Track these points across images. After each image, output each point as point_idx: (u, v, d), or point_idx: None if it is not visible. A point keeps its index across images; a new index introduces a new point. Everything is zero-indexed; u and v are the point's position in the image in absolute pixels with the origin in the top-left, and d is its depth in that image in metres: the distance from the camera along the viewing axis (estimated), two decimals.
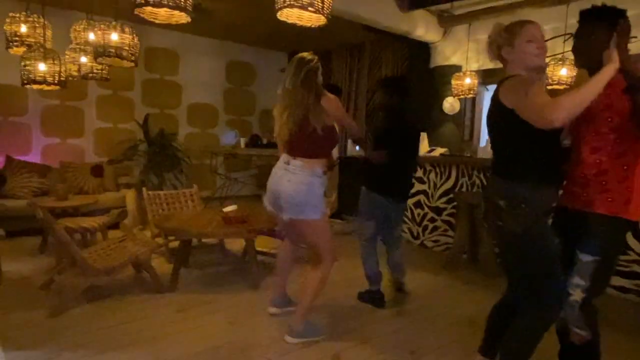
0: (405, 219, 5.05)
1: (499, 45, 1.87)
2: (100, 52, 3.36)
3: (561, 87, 4.05)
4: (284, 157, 2.61)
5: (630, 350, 2.59)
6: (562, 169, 1.89)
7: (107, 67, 4.05)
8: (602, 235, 1.77)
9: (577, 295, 1.80)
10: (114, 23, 3.34)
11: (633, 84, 1.67)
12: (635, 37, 1.84)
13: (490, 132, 2.00)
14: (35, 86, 3.50)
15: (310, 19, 2.58)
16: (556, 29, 4.41)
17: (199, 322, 2.82)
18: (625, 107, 1.73)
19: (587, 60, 1.84)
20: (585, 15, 1.83)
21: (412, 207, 4.98)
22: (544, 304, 1.85)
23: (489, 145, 2.18)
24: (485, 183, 4.33)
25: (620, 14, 1.77)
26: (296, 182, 2.47)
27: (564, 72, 3.99)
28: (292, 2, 2.36)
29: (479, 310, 2.68)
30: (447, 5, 4.94)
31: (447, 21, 5.39)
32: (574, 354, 1.98)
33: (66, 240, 2.95)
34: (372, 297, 3.20)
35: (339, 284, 3.52)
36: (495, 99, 1.82)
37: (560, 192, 1.95)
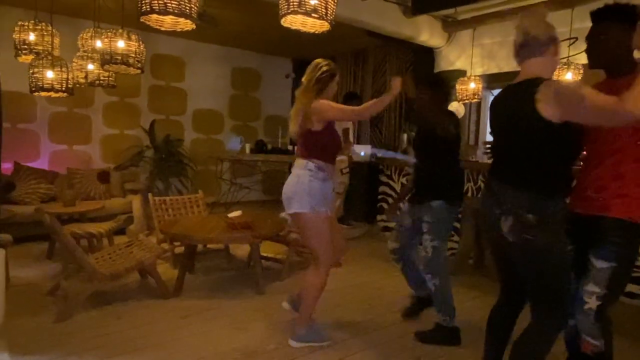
0: None
1: (551, 36, 1.74)
2: (107, 59, 3.40)
3: None
4: None
5: (638, 357, 2.56)
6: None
7: (113, 74, 4.09)
8: (618, 240, 1.72)
9: (592, 303, 1.75)
10: (120, 31, 3.38)
11: None
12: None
13: (508, 140, 1.82)
14: (43, 93, 3.54)
15: (314, 25, 2.59)
16: (561, 34, 4.38)
17: (204, 328, 2.82)
18: None
19: (604, 60, 1.82)
20: (598, 15, 1.80)
21: None
22: (557, 313, 1.79)
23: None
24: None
25: (635, 10, 1.74)
26: (290, 176, 2.59)
27: (569, 76, 3.97)
28: (295, 9, 2.37)
29: (486, 315, 2.66)
30: (451, 10, 4.95)
31: (451, 26, 5.39)
32: None
33: (72, 246, 2.97)
34: (451, 335, 2.73)
35: (344, 290, 3.51)
36: (524, 107, 1.67)
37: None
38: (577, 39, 4.25)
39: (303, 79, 2.62)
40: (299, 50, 7.21)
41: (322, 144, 2.57)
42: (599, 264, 1.74)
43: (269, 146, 6.84)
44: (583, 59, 2.95)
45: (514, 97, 1.76)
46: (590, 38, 1.84)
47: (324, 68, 2.57)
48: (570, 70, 3.99)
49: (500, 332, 2.04)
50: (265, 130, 8.17)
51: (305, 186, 2.50)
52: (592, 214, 1.80)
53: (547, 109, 1.60)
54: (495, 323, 2.07)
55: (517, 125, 1.74)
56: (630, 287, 3.35)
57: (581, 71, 3.99)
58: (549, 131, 1.63)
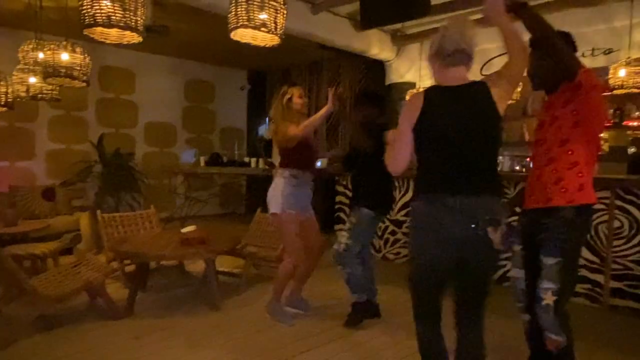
0: None
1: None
2: (50, 72, 3.28)
3: (512, 102, 4.25)
4: None
5: (580, 353, 2.70)
6: None
7: (57, 88, 3.94)
8: (562, 236, 1.87)
9: (548, 299, 1.87)
10: (64, 43, 3.27)
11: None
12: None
13: (470, 146, 1.72)
14: None
15: (264, 39, 2.62)
16: (501, 47, 4.65)
17: (157, 348, 2.73)
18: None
19: (543, 83, 1.99)
20: (534, 43, 1.90)
21: None
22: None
23: None
24: None
25: (563, 35, 1.89)
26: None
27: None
28: (245, 23, 2.40)
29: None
30: (398, 25, 5.12)
31: (400, 40, 5.59)
32: None
33: (13, 268, 2.81)
34: (367, 308, 3.07)
35: None
36: (485, 109, 1.69)
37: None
38: None
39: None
40: (254, 61, 7.21)
41: (289, 155, 3.02)
42: (548, 260, 1.88)
43: (225, 158, 6.77)
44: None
45: (470, 99, 1.71)
46: (532, 62, 1.95)
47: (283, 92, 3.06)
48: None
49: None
50: (221, 142, 8.08)
51: (280, 193, 2.97)
52: (539, 207, 1.94)
53: (502, 106, 1.69)
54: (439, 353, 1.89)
55: (480, 129, 1.71)
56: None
57: (520, 83, 4.22)
58: (500, 130, 1.74)
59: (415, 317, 1.87)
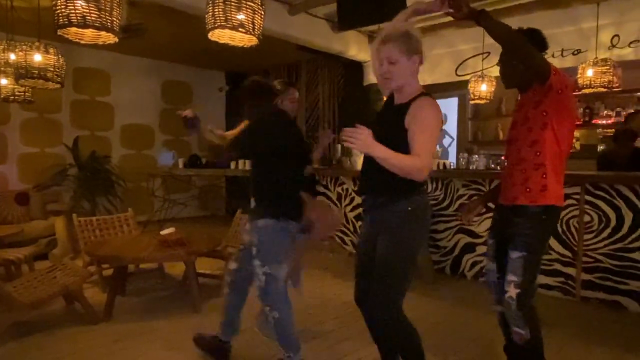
0: (347, 231, 5.15)
1: None
2: (22, 73, 3.22)
3: (482, 102, 4.36)
4: None
5: (553, 343, 2.79)
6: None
7: (30, 89, 3.86)
8: (527, 231, 1.93)
9: (511, 292, 1.94)
10: (37, 43, 3.21)
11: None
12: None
13: None
14: None
15: (242, 39, 2.63)
16: (476, 48, 4.77)
17: (137, 352, 2.70)
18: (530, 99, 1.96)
19: (514, 82, 2.06)
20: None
21: (354, 220, 5.10)
22: None
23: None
24: None
25: (531, 33, 1.95)
26: None
27: (483, 88, 4.30)
28: (222, 23, 2.40)
29: (416, 317, 2.77)
30: (375, 27, 5.18)
31: None
32: (517, 351, 2.10)
33: None
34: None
35: None
36: None
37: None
38: (489, 53, 4.64)
39: None
40: (232, 63, 7.18)
41: None
42: (513, 254, 1.95)
43: (204, 160, 6.72)
44: (495, 71, 3.24)
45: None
46: (502, 63, 2.05)
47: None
48: (484, 82, 4.32)
49: None
50: (199, 144, 8.01)
51: None
52: (507, 203, 2.04)
53: None
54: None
55: None
56: (546, 280, 3.66)
57: (494, 83, 4.34)
58: None
59: (400, 299, 1.95)
